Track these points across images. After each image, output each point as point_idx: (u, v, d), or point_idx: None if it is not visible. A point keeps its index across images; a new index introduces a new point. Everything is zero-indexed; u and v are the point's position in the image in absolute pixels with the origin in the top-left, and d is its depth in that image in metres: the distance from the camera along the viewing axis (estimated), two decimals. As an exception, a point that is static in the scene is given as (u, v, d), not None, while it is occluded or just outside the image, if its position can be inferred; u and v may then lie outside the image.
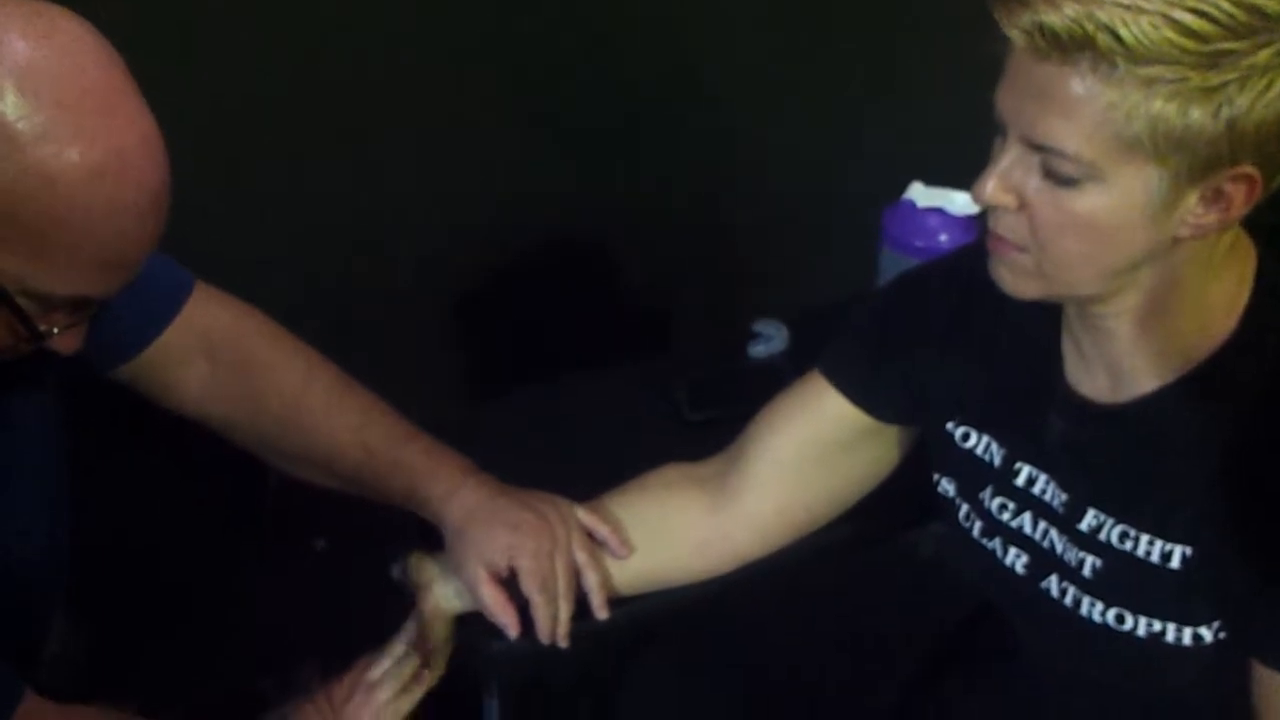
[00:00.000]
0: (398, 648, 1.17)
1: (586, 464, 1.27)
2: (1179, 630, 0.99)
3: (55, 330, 0.89)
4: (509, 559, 1.13)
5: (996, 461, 1.09)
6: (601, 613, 1.16)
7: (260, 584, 1.40)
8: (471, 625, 1.18)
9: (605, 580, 1.16)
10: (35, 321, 0.87)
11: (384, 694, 1.14)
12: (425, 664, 1.16)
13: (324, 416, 1.19)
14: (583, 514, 1.18)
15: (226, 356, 1.20)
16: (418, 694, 1.15)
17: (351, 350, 1.29)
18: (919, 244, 1.49)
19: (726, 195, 2.02)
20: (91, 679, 1.55)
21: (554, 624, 1.14)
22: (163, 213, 0.87)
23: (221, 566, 1.46)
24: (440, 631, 1.17)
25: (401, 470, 1.17)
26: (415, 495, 1.17)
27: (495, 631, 1.15)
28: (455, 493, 1.16)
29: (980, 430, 1.11)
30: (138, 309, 1.13)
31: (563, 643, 1.14)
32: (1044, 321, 1.04)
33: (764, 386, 1.25)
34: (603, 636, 1.19)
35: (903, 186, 1.55)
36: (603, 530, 1.18)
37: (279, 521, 1.44)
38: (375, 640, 1.43)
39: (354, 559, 1.45)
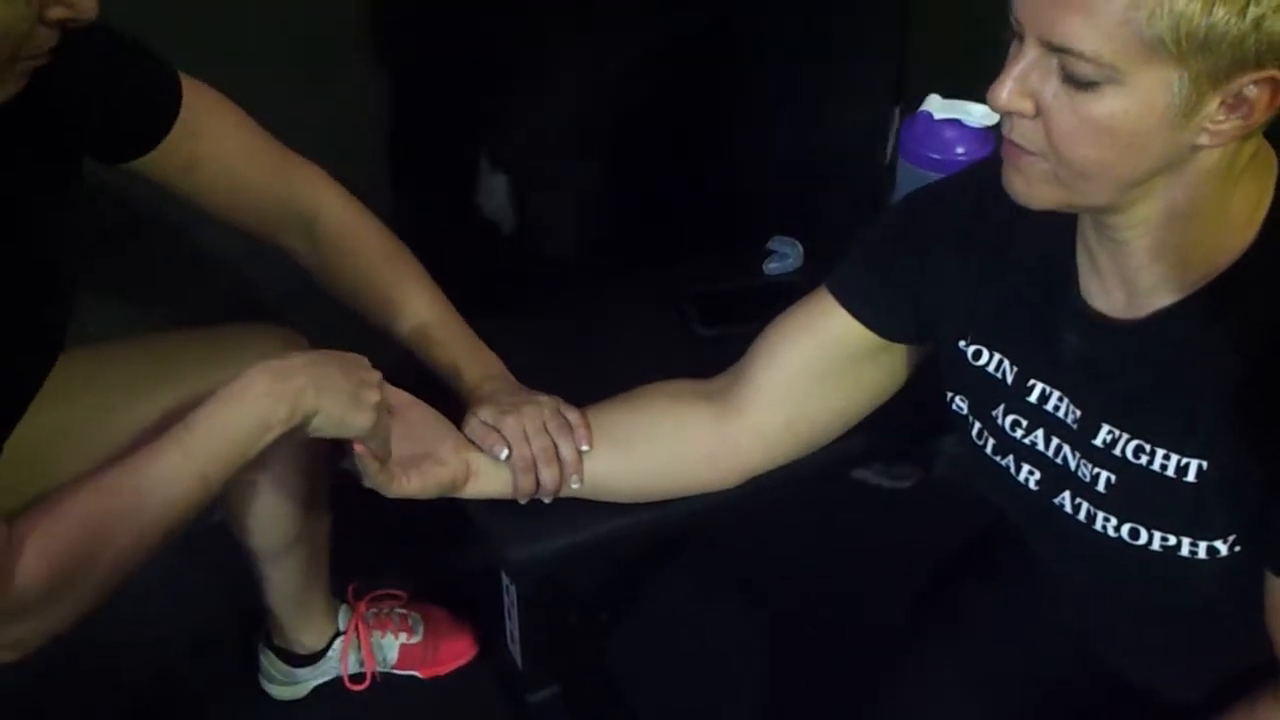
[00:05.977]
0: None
1: (597, 376, 1.27)
2: (1194, 544, 0.99)
3: None
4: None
5: (1009, 379, 1.08)
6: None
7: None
8: (492, 532, 1.23)
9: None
10: None
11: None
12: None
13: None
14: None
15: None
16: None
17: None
18: (935, 156, 1.48)
19: (743, 109, 1.99)
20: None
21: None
22: None
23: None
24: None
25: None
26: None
27: (517, 536, 1.22)
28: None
29: (992, 348, 1.10)
30: None
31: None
32: (1057, 235, 1.02)
33: (777, 303, 1.24)
34: (618, 545, 1.22)
35: (920, 99, 1.52)
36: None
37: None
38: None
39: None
